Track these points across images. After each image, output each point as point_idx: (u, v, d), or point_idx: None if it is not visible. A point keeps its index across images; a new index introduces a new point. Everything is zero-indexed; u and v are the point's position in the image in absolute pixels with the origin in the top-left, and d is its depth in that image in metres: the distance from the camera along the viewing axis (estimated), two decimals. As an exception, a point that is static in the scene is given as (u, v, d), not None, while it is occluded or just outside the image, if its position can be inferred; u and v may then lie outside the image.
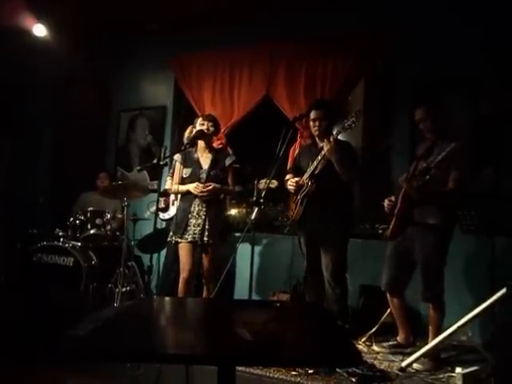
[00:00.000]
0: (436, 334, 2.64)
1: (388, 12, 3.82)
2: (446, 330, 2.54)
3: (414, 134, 3.55)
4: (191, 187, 3.13)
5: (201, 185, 3.11)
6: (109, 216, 4.07)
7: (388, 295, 2.97)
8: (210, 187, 3.10)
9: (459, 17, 3.58)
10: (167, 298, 2.46)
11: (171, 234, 3.23)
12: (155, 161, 3.14)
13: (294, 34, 4.12)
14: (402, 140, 3.83)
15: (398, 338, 2.99)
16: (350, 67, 3.90)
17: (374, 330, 3.04)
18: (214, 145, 3.48)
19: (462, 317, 2.50)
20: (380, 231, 3.03)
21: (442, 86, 3.61)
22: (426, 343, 2.64)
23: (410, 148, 3.72)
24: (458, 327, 2.49)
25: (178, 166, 3.28)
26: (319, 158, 3.00)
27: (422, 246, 2.74)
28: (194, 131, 3.23)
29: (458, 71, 3.57)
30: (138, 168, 3.71)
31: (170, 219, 3.87)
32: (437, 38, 3.64)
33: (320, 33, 4.02)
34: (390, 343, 2.98)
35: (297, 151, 3.68)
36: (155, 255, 4.21)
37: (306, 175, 3.06)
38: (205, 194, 3.09)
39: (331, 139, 2.95)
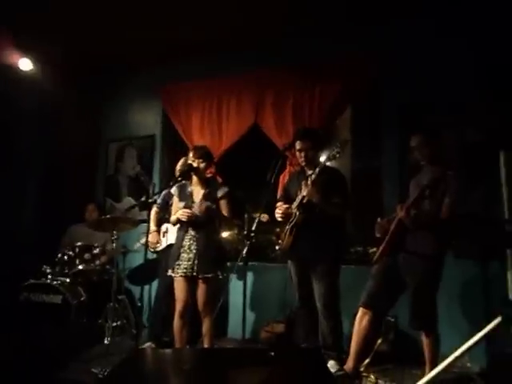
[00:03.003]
0: (432, 364, 2.59)
1: (374, 38, 3.87)
2: (442, 357, 2.50)
3: (403, 158, 3.60)
4: (178, 214, 3.10)
5: (186, 209, 3.07)
6: (98, 250, 4.00)
7: (359, 314, 2.83)
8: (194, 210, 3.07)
9: (445, 42, 3.64)
10: (160, 352, 2.38)
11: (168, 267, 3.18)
12: (143, 198, 3.13)
13: (282, 62, 4.16)
14: (391, 164, 3.84)
15: (346, 367, 2.84)
16: (337, 92, 3.93)
17: (367, 360, 2.95)
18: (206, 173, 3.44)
19: (458, 342, 2.45)
20: (372, 255, 2.99)
21: (428, 111, 3.63)
22: (423, 374, 2.59)
23: (399, 171, 3.75)
24: (456, 358, 2.44)
25: (175, 199, 3.26)
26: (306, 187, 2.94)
27: (413, 275, 2.69)
28: (182, 166, 3.19)
29: (443, 96, 3.58)
30: (127, 208, 3.65)
31: (160, 251, 3.83)
32: (422, 62, 3.70)
33: (307, 60, 4.06)
34: (338, 373, 2.84)
35: (286, 179, 3.66)
36: (146, 287, 4.15)
37: (295, 204, 3.01)
38: (187, 215, 3.04)
39: (309, 182, 2.89)
